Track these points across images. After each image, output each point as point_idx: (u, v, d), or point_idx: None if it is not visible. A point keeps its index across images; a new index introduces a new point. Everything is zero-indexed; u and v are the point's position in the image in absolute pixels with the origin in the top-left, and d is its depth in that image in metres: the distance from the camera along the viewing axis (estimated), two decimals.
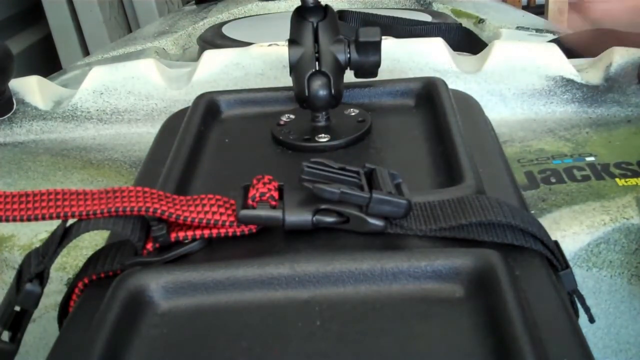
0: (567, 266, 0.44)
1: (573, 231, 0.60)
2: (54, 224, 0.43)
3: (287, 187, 0.44)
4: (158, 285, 0.39)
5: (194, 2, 1.65)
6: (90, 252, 0.46)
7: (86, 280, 0.43)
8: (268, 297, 0.38)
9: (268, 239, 0.43)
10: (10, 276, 0.64)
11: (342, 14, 1.21)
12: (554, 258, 0.43)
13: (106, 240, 0.48)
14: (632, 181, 0.64)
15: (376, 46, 0.57)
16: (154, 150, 0.60)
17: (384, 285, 0.38)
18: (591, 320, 0.46)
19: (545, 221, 0.59)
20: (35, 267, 0.42)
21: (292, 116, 0.60)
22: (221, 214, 0.43)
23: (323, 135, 0.57)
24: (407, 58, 0.82)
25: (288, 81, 0.60)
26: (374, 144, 0.56)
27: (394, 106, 0.62)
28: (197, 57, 1.16)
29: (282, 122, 0.59)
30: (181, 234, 0.43)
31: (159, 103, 0.84)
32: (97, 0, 2.48)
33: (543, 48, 0.83)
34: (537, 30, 1.27)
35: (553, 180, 0.66)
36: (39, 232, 0.65)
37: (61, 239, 0.42)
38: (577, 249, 0.60)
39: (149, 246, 0.42)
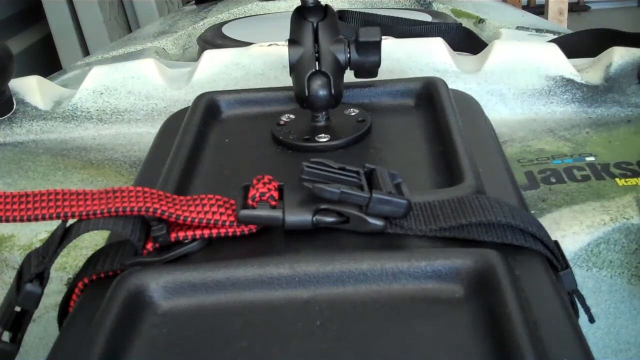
0: (567, 266, 0.44)
1: (573, 231, 0.60)
2: (54, 224, 0.43)
3: (287, 187, 0.44)
4: (158, 285, 0.39)
5: (194, 2, 1.65)
6: (90, 252, 0.46)
7: (86, 280, 0.43)
8: (268, 297, 0.38)
9: (268, 239, 0.43)
10: (10, 276, 0.64)
11: (342, 14, 1.21)
12: (554, 258, 0.43)
13: (106, 240, 0.48)
14: (632, 181, 0.64)
15: (376, 46, 0.57)
16: (154, 150, 0.60)
17: (384, 285, 0.38)
18: (591, 320, 0.46)
19: (545, 221, 0.59)
20: (35, 268, 0.42)
21: (292, 116, 0.60)
22: (221, 214, 0.43)
23: (323, 135, 0.57)
24: (407, 58, 0.82)
25: (288, 81, 0.60)
26: (374, 144, 0.56)
27: (394, 106, 0.62)
28: (197, 57, 1.16)
29: (282, 122, 0.59)
30: (181, 234, 0.43)
31: (159, 103, 0.84)
32: (97, 0, 2.48)
33: (543, 48, 0.83)
34: (537, 30, 1.27)
35: (553, 180, 0.66)
36: (39, 232, 0.65)
37: (61, 239, 0.42)
38: (577, 249, 0.60)
39: (149, 246, 0.42)
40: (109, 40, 2.43)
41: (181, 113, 0.64)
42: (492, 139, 0.58)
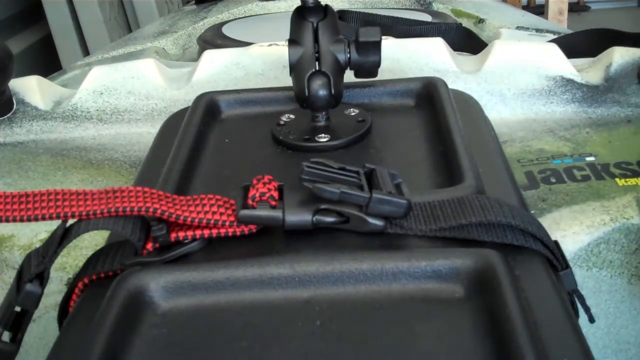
0: (567, 266, 0.44)
1: (573, 231, 0.60)
2: (54, 224, 0.43)
3: (287, 187, 0.44)
4: (158, 285, 0.39)
5: (194, 2, 1.65)
6: (90, 252, 0.46)
7: (86, 280, 0.43)
8: (268, 297, 0.38)
9: (268, 239, 0.43)
10: (10, 276, 0.64)
11: (342, 14, 1.21)
12: (554, 258, 0.43)
13: (106, 240, 0.48)
14: (632, 181, 0.64)
15: (376, 46, 0.57)
16: (154, 150, 0.60)
17: (384, 285, 0.38)
18: (591, 320, 0.46)
19: (545, 221, 0.59)
20: (35, 268, 0.42)
21: (292, 116, 0.60)
22: (221, 214, 0.43)
23: (323, 135, 0.57)
24: (407, 58, 0.82)
25: (288, 81, 0.60)
26: (374, 144, 0.56)
27: (394, 106, 0.62)
28: (197, 57, 1.16)
29: (282, 122, 0.59)
30: (181, 234, 0.43)
31: (159, 103, 0.84)
32: (97, 0, 2.48)
33: (543, 48, 0.83)
34: (537, 30, 1.27)
35: (553, 180, 0.66)
36: (39, 232, 0.65)
37: (61, 239, 0.42)
38: (577, 249, 0.60)
39: (149, 246, 0.42)
40: (109, 40, 2.44)
41: (181, 113, 0.64)
42: (492, 139, 0.58)
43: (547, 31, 1.26)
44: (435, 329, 0.36)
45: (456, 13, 1.41)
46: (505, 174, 0.52)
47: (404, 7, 1.46)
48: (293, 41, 0.58)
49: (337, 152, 0.55)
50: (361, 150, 0.56)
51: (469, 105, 0.63)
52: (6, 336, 0.42)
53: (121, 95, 0.85)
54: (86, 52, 2.51)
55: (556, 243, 0.44)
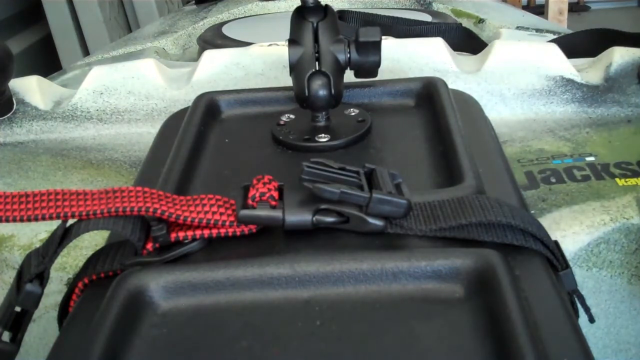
0: (567, 266, 0.44)
1: (573, 231, 0.60)
2: (54, 224, 0.43)
3: (287, 187, 0.44)
4: (158, 285, 0.39)
5: (194, 2, 1.65)
6: (90, 252, 0.46)
7: (86, 280, 0.43)
8: (268, 297, 0.38)
9: (268, 239, 0.43)
10: (10, 276, 0.64)
11: (342, 14, 1.21)
12: (554, 258, 0.43)
13: (106, 240, 0.48)
14: (632, 181, 0.64)
15: (376, 46, 0.57)
16: (154, 150, 0.60)
17: (384, 285, 0.38)
18: (591, 320, 0.46)
19: (545, 221, 0.59)
20: (35, 268, 0.42)
21: (292, 116, 0.60)
22: (221, 214, 0.43)
23: (323, 135, 0.57)
24: (407, 58, 0.82)
25: (288, 81, 0.60)
26: (374, 144, 0.56)
27: (394, 106, 0.62)
28: (197, 57, 1.16)
29: (282, 122, 0.59)
30: (181, 234, 0.43)
31: (159, 103, 0.84)
32: (97, 0, 2.48)
33: (543, 48, 0.83)
34: (537, 30, 1.27)
35: (553, 180, 0.66)
36: (39, 232, 0.65)
37: (61, 239, 0.42)
38: (577, 249, 0.60)
39: (149, 246, 0.42)
40: (109, 40, 2.44)
41: (181, 113, 0.64)
42: (492, 139, 0.58)
43: (547, 31, 1.26)
44: (435, 329, 0.36)
45: (456, 13, 1.41)
46: (505, 174, 0.52)
47: (404, 7, 1.46)
48: (293, 41, 0.58)
49: (337, 152, 0.55)
50: (361, 150, 0.56)
51: (469, 105, 0.63)
52: (6, 336, 0.42)
53: (121, 95, 0.85)
54: (86, 52, 2.52)
55: (556, 243, 0.44)
